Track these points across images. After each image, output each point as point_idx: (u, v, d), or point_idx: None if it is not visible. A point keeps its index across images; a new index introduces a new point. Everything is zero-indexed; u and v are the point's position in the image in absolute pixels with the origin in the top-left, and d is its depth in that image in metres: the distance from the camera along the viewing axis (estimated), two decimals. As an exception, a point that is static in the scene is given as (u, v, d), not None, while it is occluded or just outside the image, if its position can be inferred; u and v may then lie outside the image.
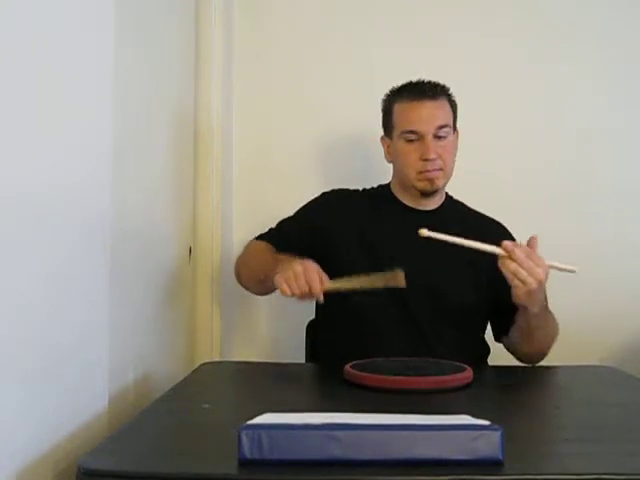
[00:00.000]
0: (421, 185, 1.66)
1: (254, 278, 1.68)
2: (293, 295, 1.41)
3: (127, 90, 1.39)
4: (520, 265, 1.37)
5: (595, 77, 2.17)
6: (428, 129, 1.62)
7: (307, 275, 1.40)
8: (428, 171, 1.63)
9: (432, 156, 1.61)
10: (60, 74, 1.11)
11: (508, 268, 1.37)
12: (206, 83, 2.00)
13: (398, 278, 1.40)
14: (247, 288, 1.75)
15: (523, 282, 1.37)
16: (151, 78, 1.60)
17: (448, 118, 1.65)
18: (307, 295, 1.41)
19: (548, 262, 1.41)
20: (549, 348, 1.60)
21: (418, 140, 1.63)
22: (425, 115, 1.63)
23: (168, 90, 1.77)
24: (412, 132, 1.64)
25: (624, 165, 2.19)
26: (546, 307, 1.53)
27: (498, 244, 1.69)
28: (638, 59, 2.19)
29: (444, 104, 1.65)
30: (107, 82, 1.30)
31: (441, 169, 1.64)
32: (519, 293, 1.41)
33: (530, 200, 2.14)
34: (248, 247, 1.75)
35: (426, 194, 1.68)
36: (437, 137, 1.62)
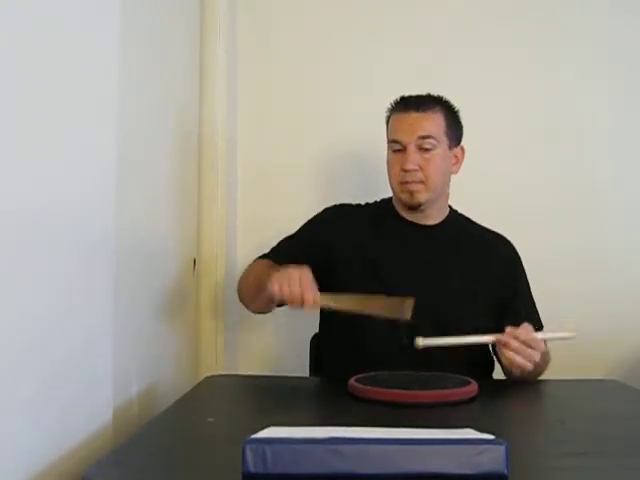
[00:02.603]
0: (403, 197, 1.66)
1: (253, 290, 1.63)
2: (282, 296, 1.38)
3: (131, 103, 1.40)
4: (517, 354, 1.42)
5: (596, 78, 2.18)
6: (409, 139, 1.61)
7: (302, 282, 1.38)
8: (407, 182, 1.63)
9: (410, 167, 1.61)
10: (63, 85, 1.12)
11: (506, 358, 1.44)
12: (210, 96, 2.01)
13: (405, 309, 1.38)
14: (247, 305, 1.71)
15: (520, 368, 1.43)
16: (155, 90, 1.60)
17: (435, 130, 1.63)
18: (297, 301, 1.38)
19: (545, 334, 1.49)
20: (539, 376, 1.62)
21: (401, 150, 1.63)
22: (407, 125, 1.63)
23: (172, 103, 1.77)
24: (395, 142, 1.64)
25: (626, 171, 2.19)
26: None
27: (503, 261, 1.70)
28: (638, 60, 2.19)
29: (433, 116, 1.63)
30: (111, 94, 1.30)
31: (422, 182, 1.62)
32: (516, 373, 1.47)
33: (528, 206, 2.14)
34: (249, 266, 1.73)
35: (410, 207, 1.67)
36: (422, 149, 1.62)
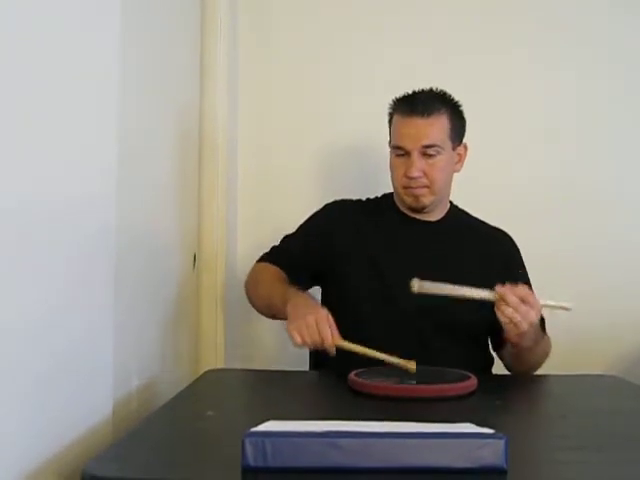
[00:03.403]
0: (408, 200, 1.67)
1: (264, 307, 1.68)
2: (305, 344, 1.43)
3: (132, 100, 1.40)
4: (515, 310, 1.39)
5: (596, 78, 2.19)
6: (414, 147, 1.61)
7: (319, 327, 1.41)
8: (412, 188, 1.63)
9: (415, 174, 1.61)
10: (63, 82, 1.12)
11: (503, 313, 1.41)
12: (211, 95, 2.02)
13: (410, 367, 1.39)
14: (257, 310, 1.75)
15: (516, 325, 1.40)
16: (155, 90, 1.60)
17: (439, 136, 1.62)
18: (319, 346, 1.43)
19: (542, 301, 1.45)
20: (539, 367, 1.62)
21: (405, 155, 1.63)
22: (412, 133, 1.62)
23: (173, 103, 1.77)
24: (399, 148, 1.64)
25: (625, 170, 2.19)
26: (540, 330, 1.54)
27: (504, 256, 1.70)
28: (638, 60, 2.20)
29: (437, 121, 1.62)
30: (112, 91, 1.30)
31: (427, 187, 1.63)
32: (511, 335, 1.44)
33: (529, 204, 2.15)
34: (256, 271, 1.74)
35: (414, 210, 1.68)
36: (426, 155, 1.61)
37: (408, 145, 1.62)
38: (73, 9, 1.15)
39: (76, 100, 1.17)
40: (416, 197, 1.65)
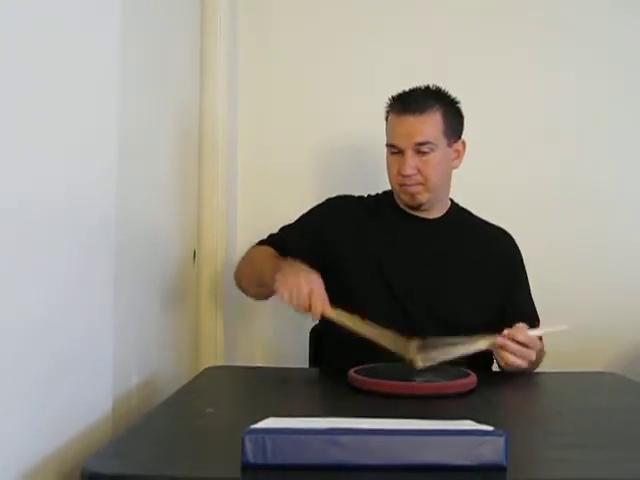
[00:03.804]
0: (404, 198, 1.67)
1: (254, 280, 1.65)
2: (290, 304, 1.40)
3: (132, 100, 1.40)
4: (514, 355, 1.43)
5: (596, 78, 2.19)
6: (406, 145, 1.61)
7: (312, 294, 1.39)
8: (407, 185, 1.64)
9: (408, 172, 1.61)
10: (64, 82, 1.13)
11: (503, 359, 1.45)
12: (211, 95, 2.02)
13: (410, 350, 1.37)
14: (245, 291, 1.72)
15: (517, 367, 1.45)
16: (155, 90, 1.60)
17: (432, 134, 1.62)
18: (305, 311, 1.40)
19: (540, 331, 1.49)
20: (535, 369, 1.62)
21: (399, 154, 1.63)
22: (404, 131, 1.62)
23: (173, 102, 1.78)
24: (393, 146, 1.64)
25: (625, 170, 2.20)
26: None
27: (505, 255, 1.70)
28: (638, 60, 2.21)
29: (430, 119, 1.62)
30: (112, 91, 1.31)
31: (421, 184, 1.63)
32: (511, 370, 1.48)
33: (529, 204, 2.15)
34: (249, 251, 1.73)
35: (411, 207, 1.68)
36: (419, 152, 1.61)
37: (401, 143, 1.63)
38: (73, 9, 1.15)
39: (76, 100, 1.17)
40: (412, 195, 1.65)
